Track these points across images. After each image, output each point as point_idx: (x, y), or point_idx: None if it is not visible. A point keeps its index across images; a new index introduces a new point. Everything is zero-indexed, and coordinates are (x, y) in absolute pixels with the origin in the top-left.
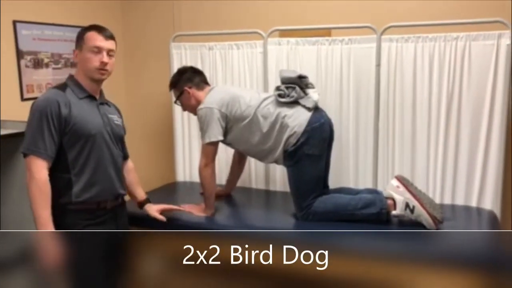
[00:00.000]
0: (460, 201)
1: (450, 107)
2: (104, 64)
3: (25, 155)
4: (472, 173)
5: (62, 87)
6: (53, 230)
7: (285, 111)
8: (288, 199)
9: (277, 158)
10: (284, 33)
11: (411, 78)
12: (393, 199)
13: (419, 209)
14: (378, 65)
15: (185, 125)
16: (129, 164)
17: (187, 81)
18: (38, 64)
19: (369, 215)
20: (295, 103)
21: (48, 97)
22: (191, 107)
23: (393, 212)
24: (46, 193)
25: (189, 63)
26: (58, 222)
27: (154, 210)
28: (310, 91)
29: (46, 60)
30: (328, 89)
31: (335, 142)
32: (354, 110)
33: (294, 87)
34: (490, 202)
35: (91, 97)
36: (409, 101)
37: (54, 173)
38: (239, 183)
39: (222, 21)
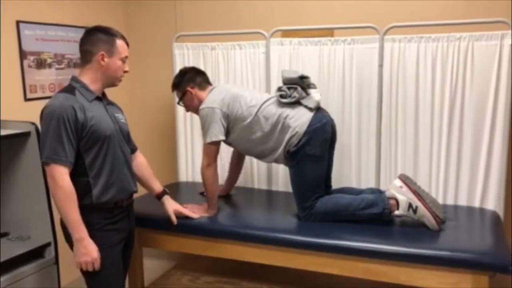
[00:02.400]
0: (463, 201)
1: (453, 107)
2: (126, 72)
3: (45, 164)
4: (475, 174)
5: (70, 90)
6: (85, 232)
7: (287, 111)
8: (291, 200)
9: (278, 157)
10: (287, 33)
11: (414, 78)
12: (396, 199)
13: (422, 209)
14: (380, 65)
15: (187, 125)
16: (141, 158)
17: (189, 81)
18: (41, 64)
19: (372, 215)
20: (297, 103)
21: (62, 103)
22: (194, 108)
23: (396, 212)
24: (73, 199)
25: (191, 63)
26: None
27: (170, 209)
28: (312, 92)
29: (49, 61)
30: (331, 89)
31: (338, 142)
32: (357, 110)
33: (296, 87)
34: (493, 202)
35: (98, 98)
36: (412, 101)
37: (72, 177)
38: (242, 183)
39: (225, 21)
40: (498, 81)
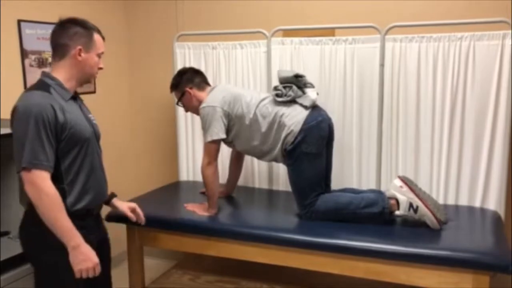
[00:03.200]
0: (463, 201)
1: (454, 107)
2: (101, 69)
3: (25, 169)
4: (476, 174)
5: (44, 88)
6: (81, 237)
7: (283, 110)
8: (291, 199)
9: (276, 156)
10: (288, 33)
11: (415, 78)
12: (396, 199)
13: (422, 209)
14: (382, 65)
15: (188, 124)
16: None
17: (188, 82)
18: (42, 63)
19: (371, 214)
20: (292, 102)
21: (40, 102)
22: (193, 108)
23: (397, 213)
24: (61, 204)
25: (192, 62)
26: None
27: (125, 206)
28: (308, 90)
29: (50, 60)
30: (332, 89)
31: (338, 142)
32: (358, 110)
33: (291, 86)
34: (494, 202)
35: (73, 98)
36: (413, 101)
37: None
38: (242, 183)
39: (226, 21)
40: (500, 81)
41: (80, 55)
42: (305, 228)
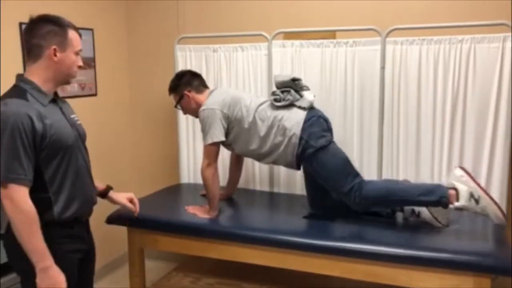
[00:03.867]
0: None
1: (455, 110)
2: (80, 68)
3: (1, 184)
4: (477, 175)
5: (20, 94)
6: (51, 259)
7: (282, 113)
8: (293, 201)
9: (275, 159)
10: (289, 36)
11: (416, 80)
12: (456, 189)
13: (485, 199)
14: (382, 67)
15: (189, 126)
16: None
17: (186, 85)
18: None
19: (427, 203)
20: (290, 105)
21: (16, 111)
22: (192, 111)
23: (456, 204)
24: (37, 223)
25: (193, 65)
26: None
27: (123, 197)
28: (305, 93)
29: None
30: (333, 91)
31: (339, 144)
32: (359, 112)
33: (289, 90)
34: None
35: (53, 101)
36: (414, 104)
37: (30, 194)
38: (243, 185)
39: (227, 23)
40: (500, 84)
41: (55, 55)
42: (306, 230)
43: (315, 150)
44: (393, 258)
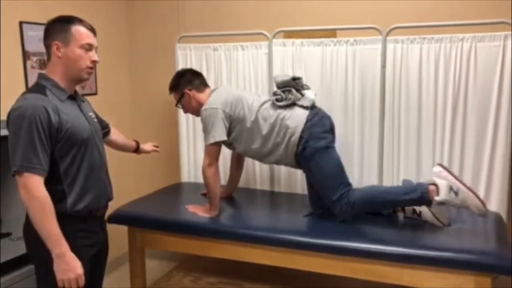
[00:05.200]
0: None
1: (455, 109)
2: (96, 63)
3: (17, 173)
4: (477, 175)
5: (40, 90)
6: (67, 246)
7: (283, 113)
8: (293, 200)
9: (278, 159)
10: (289, 34)
11: (417, 79)
12: (435, 184)
13: (464, 191)
14: (383, 66)
15: (190, 126)
16: (112, 129)
17: (187, 83)
18: (44, 65)
19: (411, 200)
20: (292, 105)
21: (34, 104)
22: (193, 109)
23: (437, 198)
24: (51, 210)
25: (194, 64)
26: None
27: (148, 146)
28: (306, 92)
29: None
30: (333, 90)
31: (340, 142)
32: (359, 111)
33: (290, 89)
34: (496, 204)
35: (71, 97)
36: (415, 102)
37: (46, 186)
38: (244, 184)
39: (227, 22)
40: (501, 82)
41: (59, 50)
42: (307, 229)
43: (314, 152)
44: (395, 257)
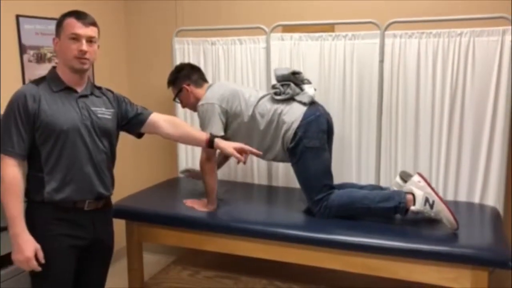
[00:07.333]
0: (462, 197)
1: (453, 103)
2: (83, 52)
3: None
4: (475, 170)
5: (38, 80)
6: (23, 228)
7: (281, 108)
8: (291, 195)
9: (276, 155)
10: (287, 29)
11: (415, 74)
12: (413, 194)
13: (439, 204)
14: (381, 60)
15: (187, 119)
16: (170, 118)
17: (185, 78)
18: (41, 59)
19: (387, 209)
20: (290, 99)
21: (18, 92)
22: (190, 104)
23: (412, 208)
24: (15, 192)
25: (191, 58)
26: (27, 215)
27: (230, 146)
28: (305, 87)
29: (49, 55)
30: (331, 85)
31: (338, 137)
32: (357, 106)
33: (289, 84)
34: (493, 198)
35: (69, 89)
36: (413, 97)
37: (29, 172)
38: (241, 178)
39: (225, 16)
40: (499, 77)
41: (56, 44)
42: (304, 223)
43: (305, 150)
44: (392, 251)
